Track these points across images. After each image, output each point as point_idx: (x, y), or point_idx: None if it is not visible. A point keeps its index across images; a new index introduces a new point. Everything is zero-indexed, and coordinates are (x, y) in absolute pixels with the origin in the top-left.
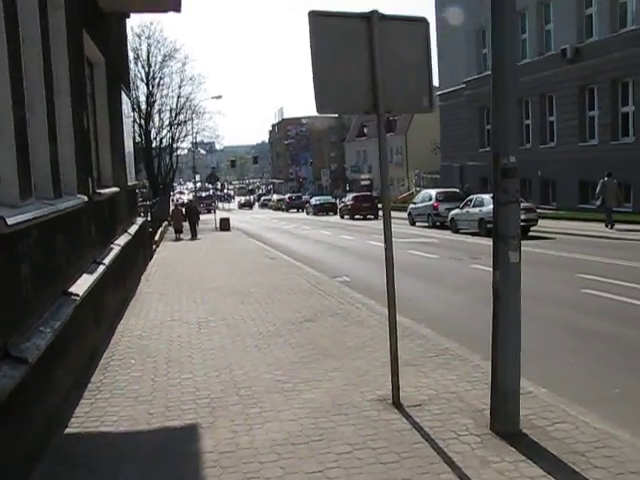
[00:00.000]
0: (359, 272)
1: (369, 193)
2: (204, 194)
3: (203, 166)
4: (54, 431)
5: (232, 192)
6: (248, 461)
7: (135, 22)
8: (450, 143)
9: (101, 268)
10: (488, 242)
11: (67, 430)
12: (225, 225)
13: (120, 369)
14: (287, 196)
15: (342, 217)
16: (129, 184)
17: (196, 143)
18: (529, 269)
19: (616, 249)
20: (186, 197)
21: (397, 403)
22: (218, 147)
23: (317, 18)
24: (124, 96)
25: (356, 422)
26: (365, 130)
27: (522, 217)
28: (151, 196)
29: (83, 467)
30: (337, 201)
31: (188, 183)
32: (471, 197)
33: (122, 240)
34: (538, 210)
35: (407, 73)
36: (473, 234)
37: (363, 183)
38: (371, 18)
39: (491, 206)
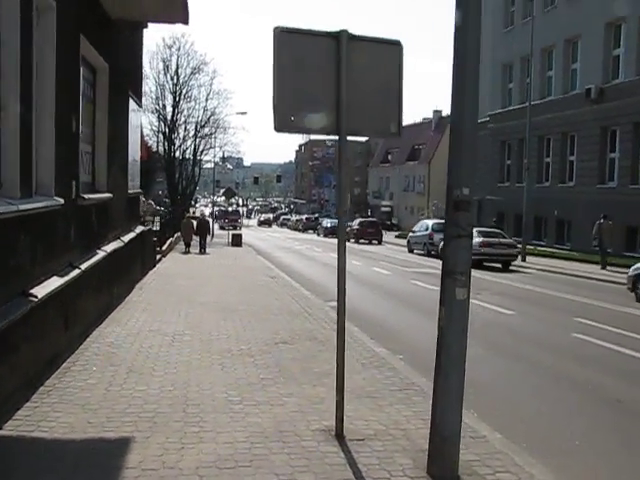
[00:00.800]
0: (355, 298)
1: (374, 219)
2: (230, 208)
3: (229, 181)
4: None
5: (255, 209)
6: None
7: (167, 34)
8: None
9: (76, 272)
10: (482, 275)
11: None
12: (237, 241)
13: (78, 375)
14: (305, 217)
15: (348, 240)
16: (130, 192)
17: (224, 158)
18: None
19: (601, 291)
20: (208, 210)
21: (340, 435)
22: (246, 163)
23: (282, 34)
24: (133, 104)
25: (291, 452)
26: (389, 157)
27: (503, 251)
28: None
29: None
30: None
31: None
32: None
33: (111, 247)
34: (550, 249)
35: (376, 96)
36: None
37: (383, 210)
38: (340, 37)
39: (480, 239)
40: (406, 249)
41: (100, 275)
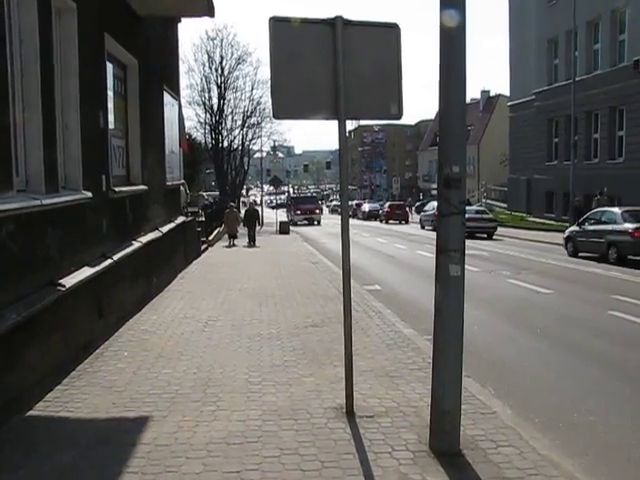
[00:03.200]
0: (395, 281)
1: (401, 202)
2: (302, 194)
3: (280, 170)
4: (14, 413)
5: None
6: (177, 455)
7: (209, 26)
8: (518, 156)
9: (108, 262)
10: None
11: (29, 413)
12: (284, 228)
13: (109, 360)
14: (355, 202)
15: (381, 222)
16: (168, 183)
17: (274, 147)
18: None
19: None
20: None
21: (350, 412)
22: (297, 151)
23: (277, 24)
24: (168, 98)
25: (300, 428)
26: (438, 140)
27: (486, 225)
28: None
29: (22, 447)
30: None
31: (266, 186)
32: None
33: (147, 237)
34: None
35: (374, 79)
36: None
37: (434, 193)
38: (335, 24)
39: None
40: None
41: (136, 265)
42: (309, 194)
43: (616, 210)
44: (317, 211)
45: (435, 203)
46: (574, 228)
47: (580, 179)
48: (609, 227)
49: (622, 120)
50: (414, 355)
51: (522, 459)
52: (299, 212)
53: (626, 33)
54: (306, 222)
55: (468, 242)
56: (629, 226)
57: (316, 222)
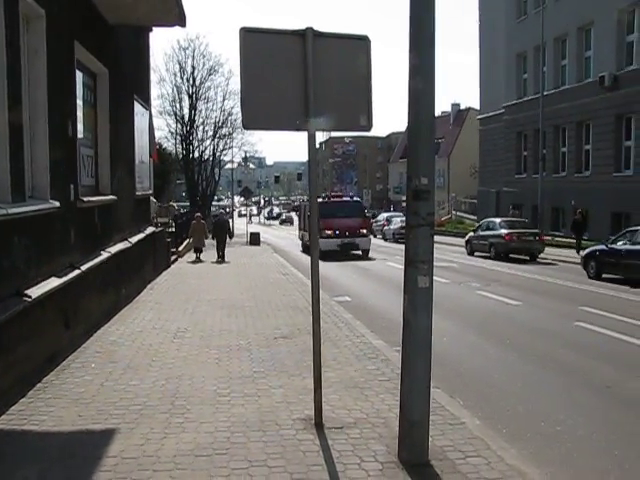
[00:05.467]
0: (364, 293)
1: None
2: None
3: (251, 181)
4: None
5: (277, 207)
6: (144, 468)
7: (181, 36)
8: (488, 168)
9: (75, 273)
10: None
11: None
12: (255, 240)
13: (76, 372)
14: None
15: None
16: (138, 194)
17: (245, 158)
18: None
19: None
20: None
21: (319, 424)
22: (269, 162)
23: (248, 34)
24: (139, 107)
25: (269, 440)
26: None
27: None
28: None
29: None
30: None
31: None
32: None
33: (116, 248)
34: (568, 239)
35: (344, 91)
36: None
37: (404, 205)
38: (306, 35)
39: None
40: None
41: (105, 275)
42: (346, 197)
43: (497, 220)
44: (362, 230)
45: (385, 214)
46: (471, 233)
47: (548, 192)
48: (491, 232)
49: (588, 134)
50: (383, 366)
51: (490, 469)
52: (329, 231)
53: (592, 50)
54: (340, 250)
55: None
56: (503, 231)
57: (362, 252)
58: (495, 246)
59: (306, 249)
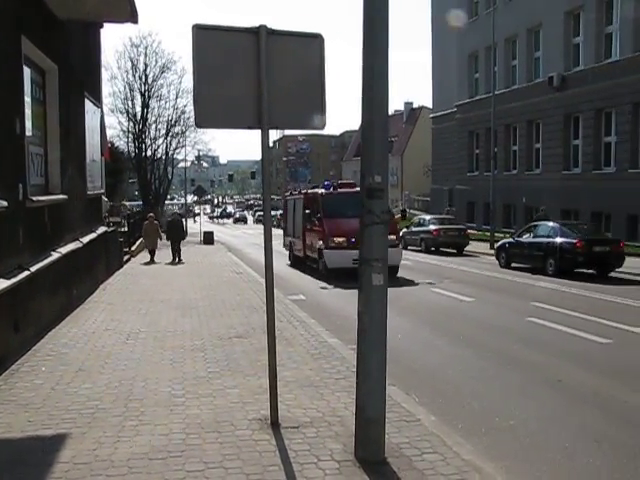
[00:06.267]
0: (320, 291)
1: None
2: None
3: (204, 179)
4: None
5: (231, 206)
6: (96, 473)
7: (133, 33)
8: (441, 166)
9: (25, 274)
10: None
11: None
12: (208, 239)
13: (26, 376)
14: (279, 212)
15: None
16: (89, 193)
17: (198, 156)
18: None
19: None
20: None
21: (275, 423)
22: (222, 161)
23: (200, 32)
24: (90, 105)
25: (224, 441)
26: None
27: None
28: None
29: None
30: None
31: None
32: None
33: (67, 248)
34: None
35: (298, 89)
36: None
37: None
38: (259, 33)
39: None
40: None
41: (55, 276)
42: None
43: (427, 217)
44: (390, 236)
45: None
46: (405, 230)
47: (500, 189)
48: (422, 229)
49: (538, 133)
50: (339, 364)
51: (446, 465)
52: (338, 239)
53: (541, 51)
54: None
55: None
56: (432, 227)
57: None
58: (425, 241)
59: (298, 262)
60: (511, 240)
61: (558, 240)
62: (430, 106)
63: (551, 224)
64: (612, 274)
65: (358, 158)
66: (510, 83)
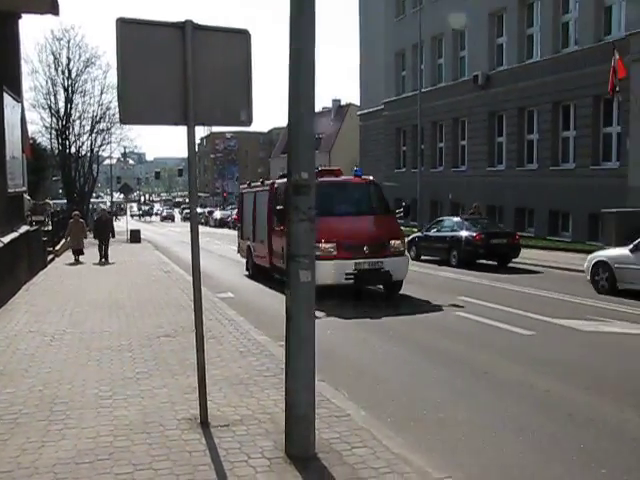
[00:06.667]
0: (248, 289)
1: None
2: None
3: (131, 177)
4: None
5: (158, 204)
6: None
7: (55, 26)
8: (369, 163)
9: None
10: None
11: None
12: (135, 237)
13: None
14: (207, 210)
15: (230, 229)
16: (10, 191)
17: (124, 154)
18: None
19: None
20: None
21: (205, 423)
22: (149, 158)
23: (124, 25)
24: (9, 99)
25: (153, 442)
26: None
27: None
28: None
29: None
30: None
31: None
32: None
33: None
34: None
35: (224, 86)
36: None
37: None
38: (185, 28)
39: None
40: None
41: None
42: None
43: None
44: (395, 240)
45: None
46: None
47: (427, 186)
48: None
49: (464, 130)
50: (268, 362)
51: (376, 459)
52: (327, 245)
53: (466, 50)
54: (355, 282)
55: None
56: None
57: (391, 286)
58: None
59: (260, 274)
60: (420, 234)
61: (460, 234)
62: (358, 103)
63: (455, 219)
64: (511, 264)
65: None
66: (436, 81)
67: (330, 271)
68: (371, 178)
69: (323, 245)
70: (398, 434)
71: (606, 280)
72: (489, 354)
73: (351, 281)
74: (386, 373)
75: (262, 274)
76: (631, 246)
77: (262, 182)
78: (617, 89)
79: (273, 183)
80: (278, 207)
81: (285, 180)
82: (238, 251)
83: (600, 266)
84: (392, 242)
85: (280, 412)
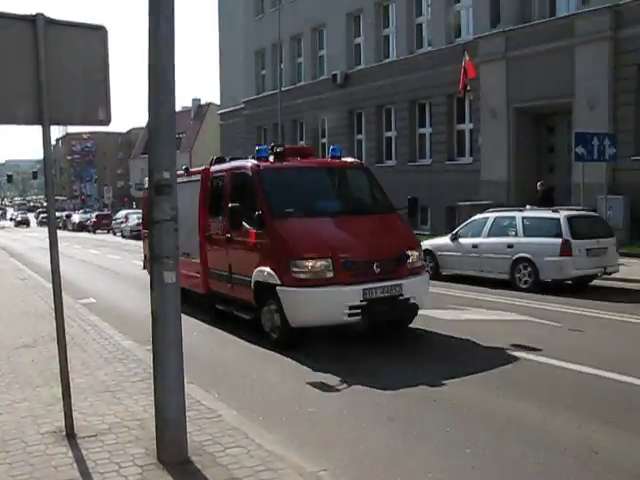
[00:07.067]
0: (111, 293)
1: (109, 212)
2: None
3: None
4: None
5: (12, 209)
6: None
7: None
8: None
9: None
10: None
11: None
12: None
13: None
14: (65, 214)
15: (89, 232)
16: None
17: None
18: None
19: None
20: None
21: (71, 434)
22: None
23: None
24: None
25: (14, 460)
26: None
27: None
28: None
29: None
30: None
31: None
32: None
33: None
34: None
35: (81, 83)
36: None
37: None
38: (36, 21)
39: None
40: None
41: None
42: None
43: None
44: (411, 250)
45: (124, 212)
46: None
47: None
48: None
49: (324, 128)
50: (135, 367)
51: (250, 457)
52: (311, 262)
53: (325, 49)
54: (363, 318)
55: None
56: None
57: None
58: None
59: (186, 302)
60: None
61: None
62: (218, 102)
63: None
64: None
65: (146, 156)
66: (296, 80)
67: (325, 304)
68: (358, 161)
69: (312, 263)
70: (270, 431)
71: (431, 268)
72: (348, 347)
73: (357, 318)
74: (252, 371)
75: (188, 303)
76: (450, 235)
77: (186, 171)
78: (468, 88)
79: (207, 170)
80: (231, 205)
81: (227, 166)
82: (144, 267)
83: (427, 254)
84: (409, 254)
85: (150, 418)
